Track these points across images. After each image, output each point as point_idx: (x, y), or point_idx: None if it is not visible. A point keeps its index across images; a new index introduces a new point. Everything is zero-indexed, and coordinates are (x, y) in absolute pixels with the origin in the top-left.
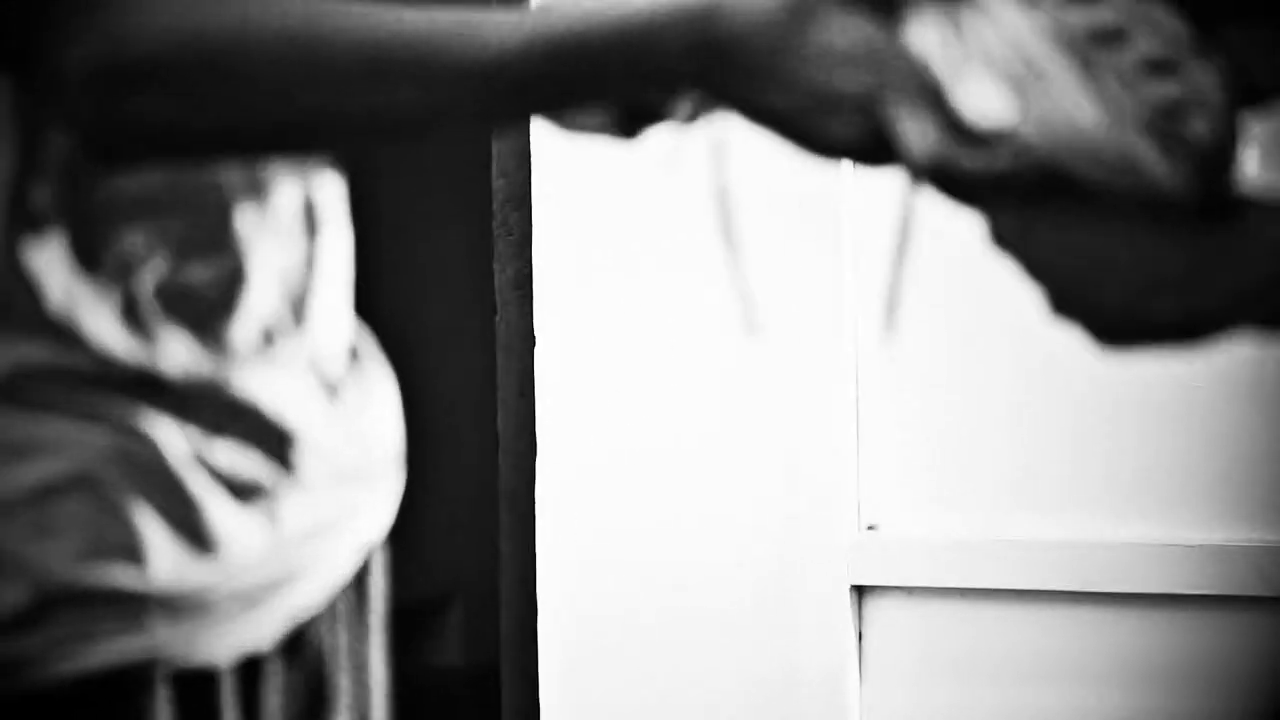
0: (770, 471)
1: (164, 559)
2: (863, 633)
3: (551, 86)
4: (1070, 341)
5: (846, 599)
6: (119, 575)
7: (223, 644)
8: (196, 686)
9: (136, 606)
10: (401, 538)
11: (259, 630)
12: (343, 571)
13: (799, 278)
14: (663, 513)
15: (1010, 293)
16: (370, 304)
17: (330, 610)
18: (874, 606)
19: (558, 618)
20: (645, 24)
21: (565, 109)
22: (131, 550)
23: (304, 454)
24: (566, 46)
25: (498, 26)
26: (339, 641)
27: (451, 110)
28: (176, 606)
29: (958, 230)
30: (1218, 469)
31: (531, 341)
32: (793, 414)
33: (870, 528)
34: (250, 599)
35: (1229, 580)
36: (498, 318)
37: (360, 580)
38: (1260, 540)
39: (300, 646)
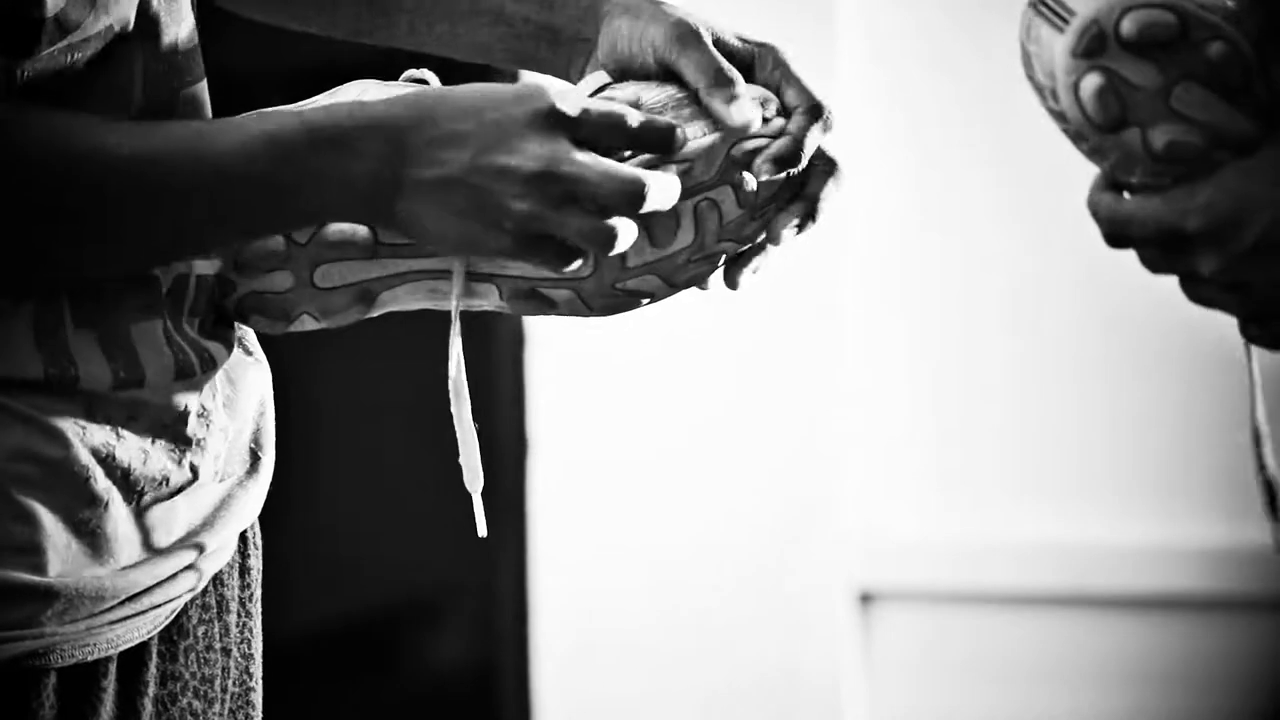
0: (769, 472)
1: (63, 557)
2: (864, 635)
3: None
4: (1070, 342)
5: (848, 601)
6: (21, 572)
7: (110, 638)
8: (80, 676)
9: (36, 603)
10: (399, 538)
11: (144, 622)
12: (225, 556)
13: (799, 277)
14: (660, 513)
15: (1011, 295)
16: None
17: (211, 595)
18: (876, 610)
19: (553, 618)
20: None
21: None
22: (34, 548)
23: (203, 444)
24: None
25: (223, 135)
26: (219, 625)
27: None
28: (71, 603)
29: (962, 236)
30: (1218, 469)
31: (524, 341)
32: (792, 415)
33: (870, 528)
34: (140, 593)
35: (1229, 580)
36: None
37: (241, 556)
38: (1260, 540)
39: (179, 633)
